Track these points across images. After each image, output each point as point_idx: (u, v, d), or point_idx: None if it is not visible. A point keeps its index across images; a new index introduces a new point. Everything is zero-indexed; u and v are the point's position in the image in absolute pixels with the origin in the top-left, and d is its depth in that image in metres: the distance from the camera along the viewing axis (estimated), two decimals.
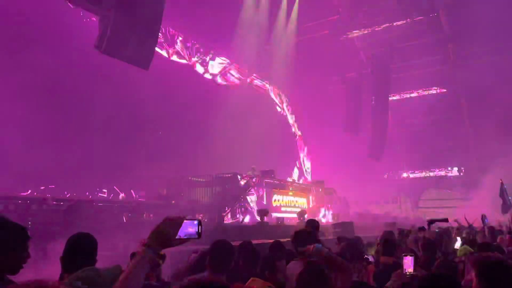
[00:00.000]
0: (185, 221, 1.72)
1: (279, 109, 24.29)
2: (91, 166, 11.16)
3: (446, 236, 6.63)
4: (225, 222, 11.36)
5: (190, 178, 14.24)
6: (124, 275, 1.60)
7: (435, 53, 22.76)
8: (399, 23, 21.55)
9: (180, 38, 17.22)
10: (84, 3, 9.46)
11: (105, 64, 10.37)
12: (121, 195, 12.09)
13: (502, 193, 14.47)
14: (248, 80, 21.44)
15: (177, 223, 1.69)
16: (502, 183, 14.51)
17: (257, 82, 22.28)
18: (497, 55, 20.34)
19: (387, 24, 21.66)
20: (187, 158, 14.72)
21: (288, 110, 24.88)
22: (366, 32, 22.61)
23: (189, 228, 1.73)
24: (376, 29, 22.19)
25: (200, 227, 1.74)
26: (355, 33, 22.77)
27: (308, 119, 24.16)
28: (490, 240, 6.94)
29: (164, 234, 1.67)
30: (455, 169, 26.59)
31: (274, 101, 23.78)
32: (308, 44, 21.76)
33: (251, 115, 18.48)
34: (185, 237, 1.71)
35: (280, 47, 21.63)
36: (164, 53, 16.28)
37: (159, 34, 10.90)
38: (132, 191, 12.65)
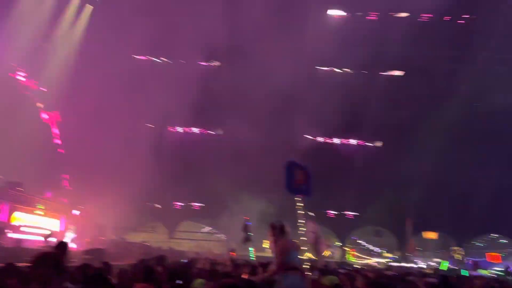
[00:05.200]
0: None
1: (45, 117, 21.39)
2: None
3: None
4: None
5: None
6: None
7: None
8: None
9: None
10: None
11: None
12: None
13: (244, 227, 16.64)
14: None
15: None
16: (245, 219, 16.69)
17: (22, 78, 19.37)
18: None
19: None
20: None
21: (54, 115, 22.06)
22: None
23: None
24: None
25: None
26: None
27: (76, 130, 21.90)
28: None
29: None
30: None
31: (39, 103, 20.91)
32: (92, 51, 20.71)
33: (10, 114, 16.02)
34: None
35: (61, 49, 19.98)
36: None
37: None
38: None
